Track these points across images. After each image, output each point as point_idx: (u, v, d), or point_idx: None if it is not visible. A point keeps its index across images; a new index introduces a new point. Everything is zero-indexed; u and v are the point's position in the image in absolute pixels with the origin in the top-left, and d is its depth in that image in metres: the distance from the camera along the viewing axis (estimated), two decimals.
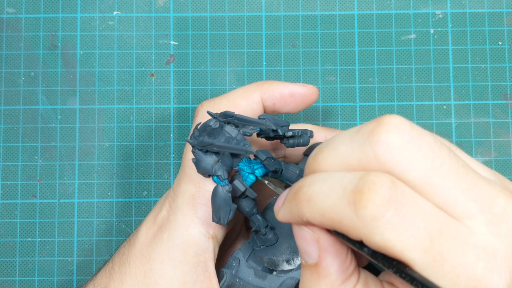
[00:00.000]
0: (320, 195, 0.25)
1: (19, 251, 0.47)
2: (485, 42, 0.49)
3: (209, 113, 0.35)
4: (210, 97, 0.48)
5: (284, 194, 0.28)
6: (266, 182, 0.35)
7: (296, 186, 0.27)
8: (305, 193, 0.26)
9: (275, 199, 0.39)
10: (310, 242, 0.27)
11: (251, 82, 0.44)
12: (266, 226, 0.36)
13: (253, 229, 0.36)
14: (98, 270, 0.39)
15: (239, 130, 0.35)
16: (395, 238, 0.23)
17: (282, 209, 0.27)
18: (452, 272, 0.23)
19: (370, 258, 0.25)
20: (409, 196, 0.24)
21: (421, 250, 0.23)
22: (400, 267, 0.24)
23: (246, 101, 0.38)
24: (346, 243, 0.26)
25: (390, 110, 0.48)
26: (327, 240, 0.26)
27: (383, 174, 0.24)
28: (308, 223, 0.26)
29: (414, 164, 0.24)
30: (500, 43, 0.49)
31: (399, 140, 0.25)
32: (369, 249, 0.25)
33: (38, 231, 0.47)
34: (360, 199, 0.23)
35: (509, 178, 0.45)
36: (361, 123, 0.48)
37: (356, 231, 0.24)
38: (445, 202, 0.24)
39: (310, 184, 0.26)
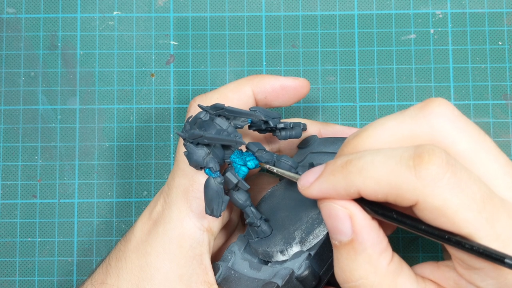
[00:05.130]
0: (374, 164, 0.27)
1: (19, 251, 0.47)
2: (485, 42, 0.49)
3: (199, 106, 0.35)
4: None
5: (317, 170, 0.29)
6: (268, 167, 0.35)
7: (341, 160, 0.28)
8: (356, 164, 0.27)
9: (270, 191, 0.40)
10: (343, 219, 0.28)
11: None
12: (260, 218, 0.36)
13: (247, 221, 0.36)
14: (96, 267, 0.39)
15: (230, 123, 0.35)
16: (452, 198, 0.25)
17: (318, 184, 0.29)
18: (503, 234, 0.25)
19: (418, 232, 0.27)
20: (460, 163, 0.26)
21: (475, 209, 0.25)
22: (451, 235, 0.26)
23: (238, 94, 0.38)
24: (390, 221, 0.28)
25: (390, 110, 0.48)
26: (361, 215, 0.28)
27: (435, 145, 0.26)
28: (349, 196, 0.28)
29: (463, 135, 0.28)
30: (500, 43, 0.49)
31: (451, 113, 0.28)
32: (418, 223, 0.26)
33: (38, 231, 0.47)
34: (420, 162, 0.25)
35: None
36: (361, 123, 0.48)
37: (415, 193, 0.26)
38: (485, 174, 0.27)
39: (361, 157, 0.27)
